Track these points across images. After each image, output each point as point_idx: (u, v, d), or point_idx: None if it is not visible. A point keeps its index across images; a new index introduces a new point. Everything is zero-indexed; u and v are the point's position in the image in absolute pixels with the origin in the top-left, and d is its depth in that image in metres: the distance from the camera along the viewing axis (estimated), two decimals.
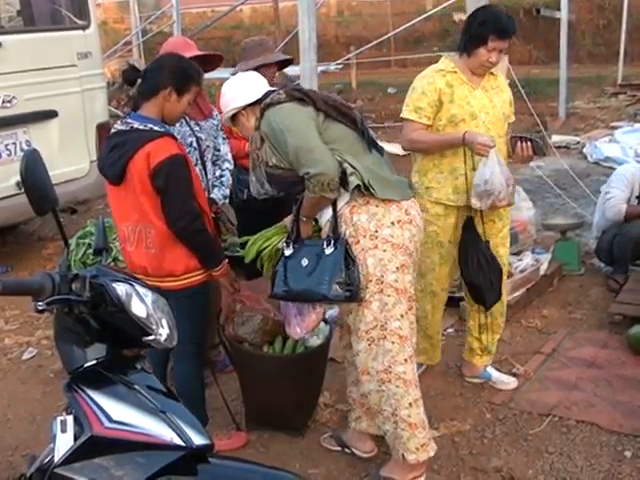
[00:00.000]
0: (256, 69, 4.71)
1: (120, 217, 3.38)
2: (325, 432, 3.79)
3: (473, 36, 3.79)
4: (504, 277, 4.05)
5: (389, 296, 3.15)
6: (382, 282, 3.14)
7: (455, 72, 3.86)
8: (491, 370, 4.27)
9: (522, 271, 5.27)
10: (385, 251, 3.13)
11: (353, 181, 3.10)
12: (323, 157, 3.07)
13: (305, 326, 3.42)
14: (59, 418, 2.04)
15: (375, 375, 3.22)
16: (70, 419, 2.03)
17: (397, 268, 3.15)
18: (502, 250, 4.06)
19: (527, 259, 5.43)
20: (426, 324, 4.16)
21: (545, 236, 6.20)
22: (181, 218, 3.23)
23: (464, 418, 3.90)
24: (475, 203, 3.78)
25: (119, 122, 3.38)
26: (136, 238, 3.32)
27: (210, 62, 4.19)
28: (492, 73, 3.97)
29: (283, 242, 3.37)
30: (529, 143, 3.92)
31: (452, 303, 5.12)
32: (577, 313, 5.13)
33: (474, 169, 3.78)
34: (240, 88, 3.38)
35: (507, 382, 4.21)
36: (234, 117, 3.41)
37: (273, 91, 3.30)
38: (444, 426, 3.79)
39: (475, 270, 3.90)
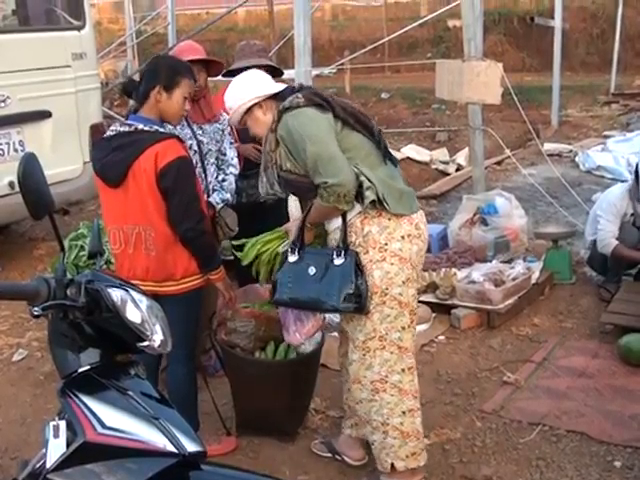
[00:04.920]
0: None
1: (117, 219, 3.38)
2: (316, 438, 3.79)
3: None
4: None
5: (392, 308, 3.14)
6: (386, 294, 3.12)
7: None
8: None
9: (514, 279, 5.28)
10: (392, 264, 3.11)
11: (369, 196, 3.05)
12: (342, 168, 3.02)
13: (305, 332, 3.40)
14: (52, 423, 2.03)
15: (368, 385, 3.21)
16: (63, 424, 2.02)
17: (403, 282, 3.14)
18: None
19: (519, 267, 5.44)
20: None
21: (537, 244, 6.21)
22: (187, 219, 3.28)
23: (454, 426, 3.90)
24: None
25: (117, 124, 3.39)
26: (134, 240, 3.34)
27: (212, 68, 4.24)
28: None
29: (284, 247, 3.35)
30: None
31: (443, 310, 5.16)
32: (568, 322, 5.15)
33: None
34: (259, 80, 3.32)
35: None
36: (248, 110, 3.29)
37: (292, 88, 3.26)
38: (434, 434, 3.80)
39: None
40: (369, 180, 3.06)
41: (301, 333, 3.40)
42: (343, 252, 3.12)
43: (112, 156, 3.29)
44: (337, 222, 3.18)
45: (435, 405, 4.10)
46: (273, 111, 3.22)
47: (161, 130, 3.35)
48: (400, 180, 3.24)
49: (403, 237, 3.12)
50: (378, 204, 3.08)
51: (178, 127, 4.08)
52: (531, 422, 3.90)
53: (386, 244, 3.11)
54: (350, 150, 3.11)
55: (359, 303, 3.09)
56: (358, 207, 3.12)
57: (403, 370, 3.21)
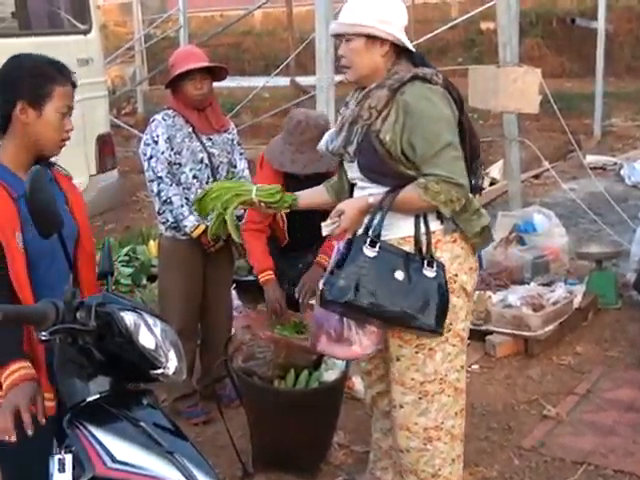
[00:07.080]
0: None
1: None
2: (339, 475, 3.78)
3: None
4: None
5: (454, 346, 3.03)
6: (450, 330, 2.98)
7: None
8: None
9: (554, 303, 5.26)
10: (459, 297, 2.99)
11: (484, 218, 3.01)
12: (464, 174, 2.85)
13: (375, 339, 3.03)
14: (57, 456, 2.05)
15: (421, 432, 3.07)
16: (69, 458, 2.04)
17: (465, 316, 3.06)
18: None
19: (559, 290, 5.42)
20: None
21: (579, 265, 6.18)
22: None
23: (490, 464, 3.88)
24: None
25: None
26: None
27: (216, 73, 4.18)
28: None
29: (259, 195, 3.09)
30: None
31: (477, 337, 5.14)
32: (614, 350, 5.11)
33: None
34: (404, 22, 2.97)
35: None
36: (368, 36, 2.89)
37: (422, 57, 3.02)
38: (468, 472, 3.77)
39: None
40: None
41: (372, 341, 3.03)
42: (435, 264, 2.90)
43: None
44: (407, 230, 2.95)
45: (469, 441, 4.05)
46: (389, 64, 2.94)
47: None
48: None
49: (468, 269, 3.03)
50: (480, 233, 3.00)
51: (186, 140, 4.10)
52: (575, 460, 3.86)
53: (456, 275, 2.97)
54: None
55: (444, 328, 2.91)
56: (437, 224, 2.96)
57: (456, 414, 3.12)
